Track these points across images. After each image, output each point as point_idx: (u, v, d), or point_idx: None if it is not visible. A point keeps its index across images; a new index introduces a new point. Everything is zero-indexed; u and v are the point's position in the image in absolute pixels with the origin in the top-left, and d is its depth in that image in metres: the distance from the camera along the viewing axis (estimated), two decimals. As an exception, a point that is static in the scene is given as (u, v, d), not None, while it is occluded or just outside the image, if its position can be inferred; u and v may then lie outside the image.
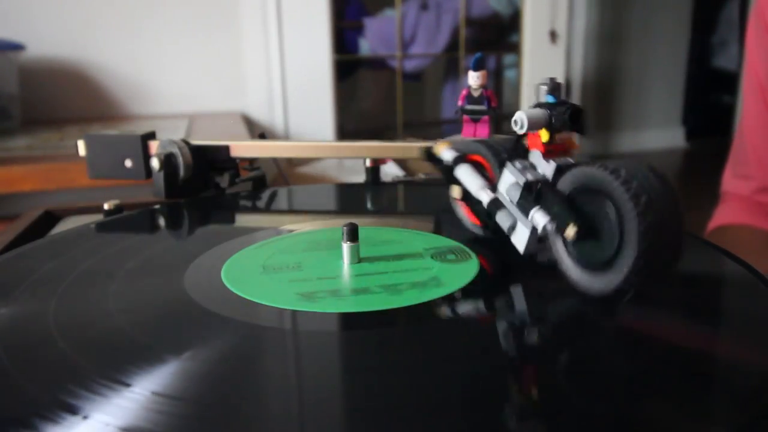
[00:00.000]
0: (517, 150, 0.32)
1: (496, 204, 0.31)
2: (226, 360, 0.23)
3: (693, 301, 0.29)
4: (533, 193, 0.29)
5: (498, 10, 1.81)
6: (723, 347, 0.25)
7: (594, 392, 0.21)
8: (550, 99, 0.30)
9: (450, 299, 0.28)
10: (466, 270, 0.31)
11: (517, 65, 1.78)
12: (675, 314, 0.28)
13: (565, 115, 0.29)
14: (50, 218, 0.49)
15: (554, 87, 0.30)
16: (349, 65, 1.80)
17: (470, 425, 0.19)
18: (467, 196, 0.34)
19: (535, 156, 0.31)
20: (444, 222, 0.41)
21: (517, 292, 0.30)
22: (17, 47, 1.18)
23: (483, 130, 0.46)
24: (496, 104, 0.46)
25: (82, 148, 0.49)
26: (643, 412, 0.20)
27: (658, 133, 3.29)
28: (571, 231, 0.26)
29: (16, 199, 0.89)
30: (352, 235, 0.31)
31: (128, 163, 0.48)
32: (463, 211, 0.36)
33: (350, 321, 0.26)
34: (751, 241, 0.62)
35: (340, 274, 0.30)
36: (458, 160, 0.34)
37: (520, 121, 0.29)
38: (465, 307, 0.28)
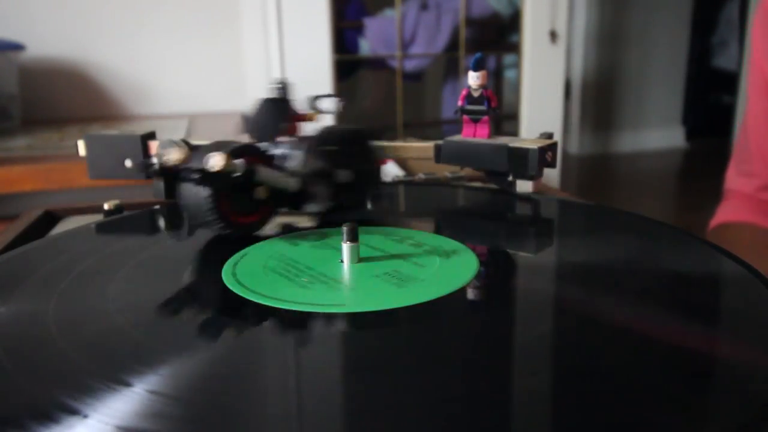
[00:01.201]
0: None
1: (313, 173, 0.37)
2: (226, 360, 0.23)
3: (693, 300, 0.29)
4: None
5: (498, 10, 1.80)
6: (723, 347, 0.25)
7: (594, 392, 0.21)
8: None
9: (453, 298, 0.28)
10: (466, 269, 0.31)
11: (517, 65, 1.78)
12: (675, 314, 0.28)
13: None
14: (50, 218, 0.49)
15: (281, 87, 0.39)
16: (349, 65, 1.80)
17: (471, 425, 0.19)
18: (273, 195, 0.37)
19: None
20: (444, 222, 0.41)
21: (518, 291, 0.30)
22: (17, 47, 1.18)
23: (483, 130, 0.46)
24: (496, 104, 0.46)
25: (82, 148, 0.49)
26: (642, 412, 0.20)
27: (658, 133, 3.29)
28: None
29: (16, 199, 0.89)
30: (352, 235, 0.31)
31: (128, 163, 0.48)
32: (226, 216, 0.35)
33: (352, 321, 0.26)
34: (752, 240, 0.62)
35: (340, 274, 0.30)
36: (251, 166, 0.35)
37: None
38: (469, 305, 0.28)
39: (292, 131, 0.39)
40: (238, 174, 0.34)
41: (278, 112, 0.39)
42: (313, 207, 0.38)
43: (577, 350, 0.24)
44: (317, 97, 0.40)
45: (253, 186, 0.36)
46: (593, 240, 0.38)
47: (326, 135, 0.40)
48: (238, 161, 0.34)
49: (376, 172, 0.43)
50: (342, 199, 0.40)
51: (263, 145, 0.38)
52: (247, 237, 0.36)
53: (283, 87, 0.39)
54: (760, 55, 0.63)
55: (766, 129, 0.63)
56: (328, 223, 0.39)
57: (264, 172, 0.36)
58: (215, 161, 0.32)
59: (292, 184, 0.37)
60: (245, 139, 0.39)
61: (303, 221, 0.40)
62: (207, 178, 0.33)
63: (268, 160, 0.37)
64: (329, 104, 0.40)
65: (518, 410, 0.20)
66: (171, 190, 0.39)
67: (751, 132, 0.65)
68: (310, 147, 0.37)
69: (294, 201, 0.38)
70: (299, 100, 0.39)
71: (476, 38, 1.79)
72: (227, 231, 0.35)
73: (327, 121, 0.41)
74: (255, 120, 0.39)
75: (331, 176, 0.38)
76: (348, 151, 0.41)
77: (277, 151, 0.38)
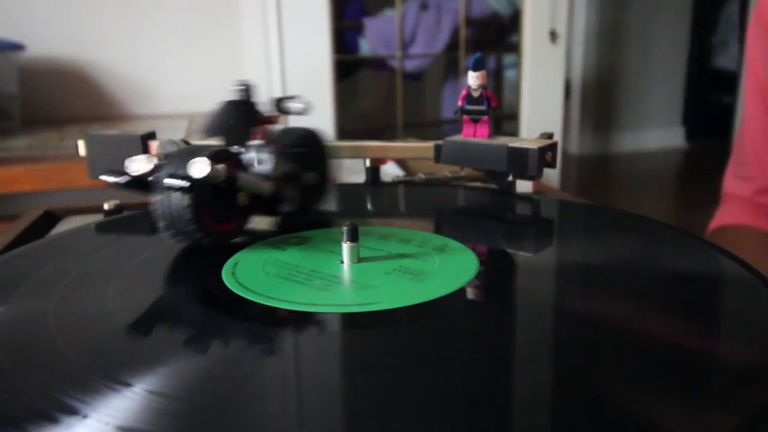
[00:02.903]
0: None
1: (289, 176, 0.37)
2: (226, 360, 0.23)
3: (693, 300, 0.29)
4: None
5: (498, 10, 1.80)
6: (723, 347, 0.25)
7: (594, 392, 0.21)
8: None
9: (456, 296, 0.28)
10: (467, 268, 0.31)
11: (517, 65, 1.78)
12: (675, 314, 0.28)
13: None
14: (50, 218, 0.49)
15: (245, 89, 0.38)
16: (349, 65, 1.80)
17: (471, 425, 0.19)
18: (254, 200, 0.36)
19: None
20: (444, 221, 0.41)
21: (518, 290, 0.30)
22: (17, 47, 1.18)
23: (483, 130, 0.46)
24: (496, 104, 0.46)
25: (82, 148, 0.49)
26: (642, 411, 0.20)
27: (658, 133, 3.29)
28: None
29: (16, 199, 0.89)
30: (352, 235, 0.31)
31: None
32: (205, 225, 0.33)
33: (356, 320, 0.26)
34: (751, 242, 0.62)
35: (340, 274, 0.30)
36: (232, 172, 0.33)
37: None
38: (473, 303, 0.28)
39: (259, 134, 0.38)
40: (221, 180, 0.32)
41: (245, 115, 0.38)
42: (284, 209, 0.38)
43: (577, 350, 0.24)
44: (281, 99, 0.40)
45: (234, 192, 0.34)
46: (593, 240, 0.38)
47: (288, 137, 0.40)
48: (220, 167, 0.31)
49: (329, 173, 0.43)
50: (306, 202, 0.40)
51: (235, 149, 0.36)
52: (228, 245, 0.35)
53: (247, 89, 0.38)
54: (755, 59, 0.63)
55: (762, 133, 0.63)
56: (293, 227, 0.38)
57: (244, 178, 0.34)
58: (200, 168, 0.30)
59: (266, 188, 0.36)
60: (210, 142, 0.37)
61: (260, 224, 0.39)
62: (190, 186, 0.31)
63: (241, 165, 0.35)
64: (294, 105, 0.39)
65: (518, 410, 0.20)
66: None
67: (747, 136, 0.65)
68: (281, 149, 0.37)
69: (268, 205, 0.37)
70: (262, 102, 0.39)
71: (476, 38, 1.79)
72: (205, 241, 0.33)
73: (287, 122, 0.41)
74: (219, 123, 0.38)
75: (299, 178, 0.39)
76: (310, 153, 0.41)
77: (247, 154, 0.37)
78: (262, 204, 0.37)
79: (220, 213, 0.34)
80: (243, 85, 0.38)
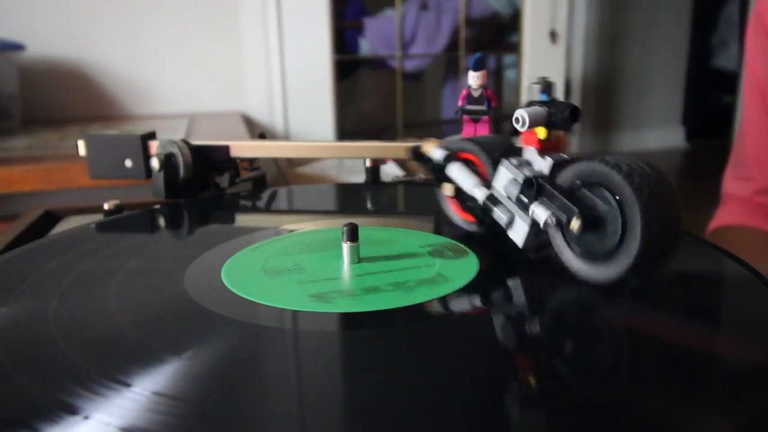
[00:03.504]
0: (508, 147, 0.33)
1: (493, 200, 0.32)
2: (226, 360, 0.23)
3: (693, 301, 0.29)
4: (533, 188, 0.29)
5: (498, 10, 1.80)
6: (723, 347, 0.25)
7: (594, 392, 0.21)
8: (544, 97, 0.31)
9: (459, 295, 0.28)
10: (467, 267, 0.31)
11: (517, 65, 1.78)
12: (675, 314, 0.28)
13: (565, 113, 0.29)
14: (50, 218, 0.49)
15: (547, 86, 0.31)
16: (349, 65, 1.80)
17: (471, 425, 0.19)
18: (459, 194, 0.35)
19: (530, 153, 0.31)
20: (444, 221, 0.41)
21: (519, 290, 0.30)
22: (17, 47, 1.18)
23: (483, 131, 0.46)
24: (496, 104, 0.46)
25: (82, 148, 0.49)
26: (642, 411, 0.20)
27: (658, 133, 3.29)
28: (576, 223, 0.27)
29: (16, 199, 0.89)
30: (352, 235, 0.31)
31: (128, 163, 0.48)
32: (453, 209, 0.37)
33: (356, 320, 0.26)
34: (751, 242, 0.62)
35: (340, 274, 0.30)
36: (449, 159, 0.35)
37: (521, 118, 0.30)
38: (475, 303, 0.28)
39: (555, 146, 0.31)
40: (436, 161, 0.35)
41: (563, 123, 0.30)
42: (470, 227, 0.35)
43: (576, 350, 0.24)
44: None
45: (443, 181, 0.35)
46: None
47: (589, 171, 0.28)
48: (439, 150, 0.34)
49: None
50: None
51: (494, 149, 0.33)
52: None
53: (549, 86, 0.31)
54: (753, 60, 0.63)
55: (761, 133, 0.63)
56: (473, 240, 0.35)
57: (455, 170, 0.34)
58: (425, 146, 0.36)
59: (478, 195, 0.33)
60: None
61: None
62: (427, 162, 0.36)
63: (485, 165, 0.33)
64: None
65: (518, 410, 0.20)
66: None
67: (746, 136, 0.65)
68: (535, 182, 0.29)
69: (478, 215, 0.35)
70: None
71: (476, 38, 1.79)
72: (465, 228, 0.36)
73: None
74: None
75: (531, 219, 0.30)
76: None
77: (514, 160, 0.31)
78: (476, 212, 0.34)
79: (463, 204, 0.36)
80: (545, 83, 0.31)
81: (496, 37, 1.88)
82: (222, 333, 0.26)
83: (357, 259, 0.32)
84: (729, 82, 2.94)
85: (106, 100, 1.37)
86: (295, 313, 0.27)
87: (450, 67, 1.89)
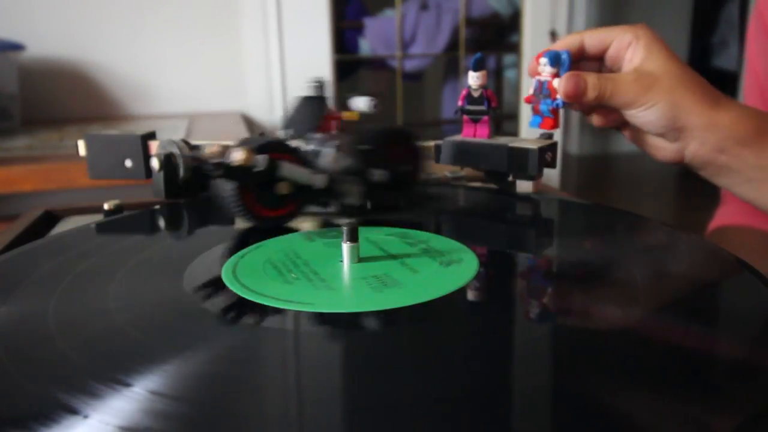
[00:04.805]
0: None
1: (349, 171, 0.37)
2: (226, 360, 0.23)
3: (693, 300, 0.29)
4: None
5: (498, 10, 1.80)
6: (723, 347, 0.25)
7: (594, 392, 0.21)
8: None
9: (453, 297, 0.28)
10: (467, 268, 0.31)
11: (517, 65, 1.78)
12: (675, 314, 0.28)
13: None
14: (50, 218, 0.49)
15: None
16: (349, 65, 1.80)
17: (471, 425, 0.19)
18: (298, 191, 0.37)
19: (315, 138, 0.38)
20: (444, 222, 0.41)
21: (518, 291, 0.30)
22: (17, 47, 1.18)
23: (483, 130, 0.46)
24: (496, 104, 0.46)
25: (82, 148, 0.49)
26: (642, 411, 0.20)
27: (658, 133, 3.27)
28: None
29: (16, 199, 0.89)
30: (352, 235, 0.31)
31: (128, 163, 0.48)
32: (247, 206, 0.37)
33: (352, 320, 0.26)
34: (751, 242, 0.62)
35: (340, 274, 0.30)
36: (273, 161, 0.36)
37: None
38: (471, 304, 0.28)
39: (325, 129, 0.39)
40: (259, 169, 0.35)
41: (314, 110, 0.39)
42: (348, 202, 0.39)
43: (576, 350, 0.24)
44: (350, 96, 0.40)
45: (276, 181, 0.37)
46: (593, 240, 0.38)
47: (364, 134, 0.39)
48: (260, 156, 0.35)
49: (415, 172, 0.43)
50: (379, 199, 0.40)
51: (294, 142, 0.38)
52: (275, 228, 0.38)
53: (320, 85, 0.39)
54: (754, 59, 0.63)
55: None
56: (371, 222, 0.38)
57: (288, 169, 0.36)
58: (236, 156, 0.33)
59: (317, 181, 0.37)
60: (281, 135, 0.39)
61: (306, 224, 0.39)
62: (230, 172, 0.34)
63: (297, 157, 0.37)
64: (362, 103, 0.40)
65: (518, 410, 0.20)
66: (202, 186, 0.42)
67: None
68: (341, 145, 0.37)
69: (322, 198, 0.39)
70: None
71: (476, 38, 1.79)
72: (254, 222, 0.37)
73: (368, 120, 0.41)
74: (292, 117, 0.40)
75: (363, 175, 0.39)
76: (385, 151, 0.40)
77: (308, 147, 0.38)
78: (318, 196, 0.38)
79: (268, 199, 0.37)
80: (317, 82, 0.40)
81: (496, 37, 1.88)
82: (222, 333, 0.26)
83: (357, 259, 0.32)
84: (729, 82, 2.93)
85: (106, 100, 1.37)
86: (295, 313, 0.27)
87: (450, 67, 1.89)
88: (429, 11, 1.73)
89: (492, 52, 1.88)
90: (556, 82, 0.35)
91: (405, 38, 1.71)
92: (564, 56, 0.34)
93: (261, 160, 0.35)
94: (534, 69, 0.42)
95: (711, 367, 0.23)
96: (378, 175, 0.39)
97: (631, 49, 0.41)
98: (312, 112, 0.39)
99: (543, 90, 0.40)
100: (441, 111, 2.03)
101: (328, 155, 0.37)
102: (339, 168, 0.37)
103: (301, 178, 0.37)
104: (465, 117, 0.46)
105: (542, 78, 0.41)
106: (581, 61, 0.44)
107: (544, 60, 0.38)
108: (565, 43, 0.43)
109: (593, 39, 0.43)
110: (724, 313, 0.29)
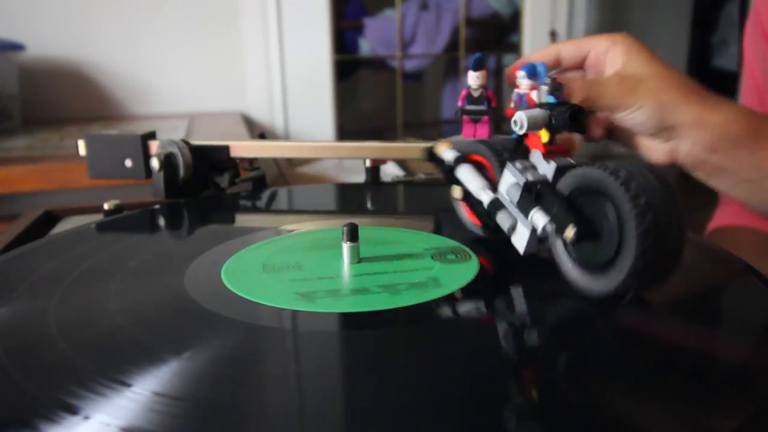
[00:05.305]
0: (518, 150, 0.32)
1: (496, 204, 0.31)
2: (226, 360, 0.23)
3: (693, 300, 0.29)
4: (533, 194, 0.29)
5: (498, 10, 1.80)
6: (723, 347, 0.25)
7: (593, 392, 0.21)
8: (551, 99, 0.30)
9: (449, 300, 0.28)
10: (466, 270, 0.31)
11: (517, 65, 1.77)
12: (675, 314, 0.28)
13: (565, 115, 0.29)
14: (50, 218, 0.49)
15: (555, 87, 0.30)
16: (349, 65, 1.80)
17: (470, 425, 0.19)
18: (468, 196, 0.34)
19: (536, 156, 0.31)
20: (444, 222, 0.41)
21: (517, 293, 0.30)
22: (17, 47, 1.18)
23: (483, 131, 0.46)
24: (496, 104, 0.46)
25: (82, 148, 0.49)
26: (642, 411, 0.20)
27: (658, 133, 3.27)
28: (570, 232, 0.26)
29: (16, 199, 0.89)
30: (352, 235, 0.31)
31: (128, 163, 0.48)
32: (463, 211, 0.36)
33: (349, 321, 0.26)
34: (750, 242, 0.62)
35: (340, 274, 0.30)
36: (459, 160, 0.35)
37: (519, 121, 0.30)
38: (464, 308, 0.28)
39: (559, 150, 0.31)
40: (447, 162, 0.35)
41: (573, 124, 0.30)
42: (479, 231, 0.35)
43: (576, 350, 0.24)
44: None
45: (453, 183, 0.35)
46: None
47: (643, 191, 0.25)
48: (450, 152, 0.35)
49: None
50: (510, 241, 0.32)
51: (503, 152, 0.32)
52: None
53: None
54: (751, 60, 0.63)
55: None
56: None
57: (464, 172, 0.34)
58: (437, 146, 0.35)
59: (484, 198, 0.32)
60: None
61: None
62: (431, 158, 0.36)
63: (493, 167, 0.32)
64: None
65: (517, 411, 0.20)
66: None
67: None
68: (537, 187, 0.29)
69: (483, 216, 0.34)
70: None
71: (476, 38, 1.79)
72: (477, 232, 0.36)
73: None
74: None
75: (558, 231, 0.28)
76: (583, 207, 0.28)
77: (519, 164, 0.30)
78: (482, 211, 0.34)
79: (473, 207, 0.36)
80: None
81: (496, 37, 1.88)
82: (222, 333, 0.26)
83: (357, 259, 0.32)
84: (729, 82, 2.93)
85: (106, 100, 1.37)
86: (294, 313, 0.27)
87: (450, 67, 1.89)
88: (429, 11, 1.73)
89: (492, 52, 1.88)
90: (534, 95, 0.35)
91: (405, 38, 1.72)
92: (539, 68, 0.34)
93: (450, 155, 0.35)
94: (510, 76, 0.42)
95: (711, 367, 0.23)
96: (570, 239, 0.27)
97: (610, 54, 0.41)
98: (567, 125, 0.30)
99: (522, 102, 0.40)
100: (441, 111, 2.03)
101: (505, 181, 0.31)
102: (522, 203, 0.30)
103: (468, 186, 0.34)
104: (465, 117, 0.46)
105: (521, 91, 0.40)
106: (561, 72, 0.43)
107: (521, 73, 0.38)
108: (540, 56, 0.43)
109: (569, 48, 0.43)
110: (724, 313, 0.29)
